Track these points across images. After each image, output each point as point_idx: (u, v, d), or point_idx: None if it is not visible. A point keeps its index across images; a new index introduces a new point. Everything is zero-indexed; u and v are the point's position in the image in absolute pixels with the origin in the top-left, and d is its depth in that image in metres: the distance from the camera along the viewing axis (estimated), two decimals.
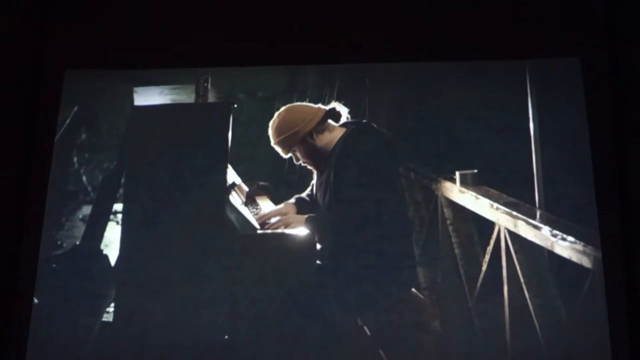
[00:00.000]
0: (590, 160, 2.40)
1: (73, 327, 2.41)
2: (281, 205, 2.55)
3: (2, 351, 2.39)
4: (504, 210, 2.33)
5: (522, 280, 2.30)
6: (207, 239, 2.42)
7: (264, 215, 2.52)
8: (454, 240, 2.41)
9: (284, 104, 2.52)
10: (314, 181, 2.54)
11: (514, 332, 2.29)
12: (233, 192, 2.55)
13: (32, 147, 2.56)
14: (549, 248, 2.26)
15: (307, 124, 2.48)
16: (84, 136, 2.63)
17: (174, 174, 2.47)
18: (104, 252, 2.50)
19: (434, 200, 2.47)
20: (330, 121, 2.51)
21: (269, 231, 2.47)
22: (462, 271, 2.38)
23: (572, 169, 2.40)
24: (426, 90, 2.55)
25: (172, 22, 2.67)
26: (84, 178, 2.58)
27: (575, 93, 2.46)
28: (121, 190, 2.53)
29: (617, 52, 2.50)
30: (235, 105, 2.54)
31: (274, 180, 2.59)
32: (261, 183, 2.61)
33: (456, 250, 2.40)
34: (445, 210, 2.45)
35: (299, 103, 2.53)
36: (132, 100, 2.58)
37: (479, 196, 2.39)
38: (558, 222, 2.30)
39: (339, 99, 2.52)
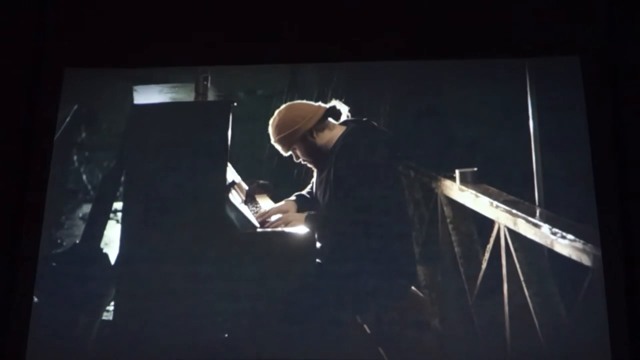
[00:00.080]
0: (589, 158, 2.40)
1: (73, 326, 2.41)
2: (281, 203, 2.55)
3: (2, 350, 2.38)
4: (504, 209, 2.34)
5: (521, 278, 2.30)
6: (206, 237, 2.41)
7: (264, 214, 2.52)
8: (453, 238, 2.41)
9: (284, 103, 2.53)
10: (314, 179, 2.54)
11: (514, 330, 2.29)
12: (233, 191, 2.55)
13: (32, 146, 2.56)
14: (549, 246, 2.26)
15: (308, 122, 2.48)
16: (83, 134, 2.62)
17: (173, 173, 2.47)
18: (104, 250, 2.49)
19: (433, 199, 2.47)
20: (330, 119, 2.51)
21: (268, 229, 2.47)
22: (461, 269, 2.38)
23: (572, 167, 2.41)
24: (426, 89, 2.55)
25: (171, 20, 2.67)
26: (84, 177, 2.58)
27: (575, 91, 2.47)
28: (121, 189, 2.53)
29: (617, 50, 2.50)
30: (235, 104, 2.53)
31: (273, 178, 2.59)
32: (261, 181, 2.61)
33: (456, 249, 2.40)
34: (445, 208, 2.45)
35: (299, 101, 2.54)
36: (132, 99, 2.58)
37: (478, 194, 2.39)
38: (558, 220, 2.30)
39: (339, 97, 2.52)
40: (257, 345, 2.34)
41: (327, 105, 2.51)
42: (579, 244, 2.22)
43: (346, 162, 2.45)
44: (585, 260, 2.21)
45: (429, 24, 2.60)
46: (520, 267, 2.30)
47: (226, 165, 2.49)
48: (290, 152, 2.51)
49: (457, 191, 2.43)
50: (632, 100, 2.45)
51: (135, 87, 2.60)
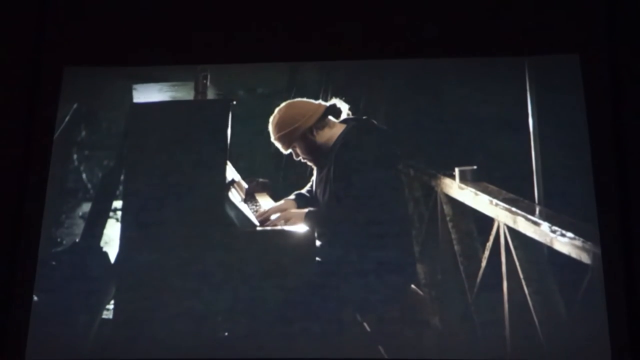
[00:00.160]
0: (589, 156, 2.41)
1: (72, 325, 2.40)
2: (281, 202, 2.54)
3: (2, 348, 2.38)
4: (504, 207, 2.34)
5: (521, 276, 2.30)
6: (206, 235, 2.41)
7: (264, 212, 2.52)
8: (453, 236, 2.41)
9: (284, 101, 2.53)
10: (314, 177, 2.54)
11: (514, 328, 2.29)
12: (232, 189, 2.55)
13: (31, 145, 2.56)
14: (548, 244, 2.26)
15: (308, 120, 2.48)
16: (83, 133, 2.62)
17: (173, 171, 2.47)
18: (104, 249, 2.49)
19: (433, 197, 2.47)
20: (330, 117, 2.51)
21: (268, 228, 2.47)
22: (461, 267, 2.38)
23: (572, 165, 2.41)
24: (426, 87, 2.55)
25: (171, 18, 2.67)
26: (84, 175, 2.58)
27: (575, 90, 2.47)
28: (121, 188, 2.53)
29: (617, 48, 2.51)
30: (235, 102, 2.53)
31: (273, 177, 2.59)
32: (261, 180, 2.61)
33: (456, 247, 2.40)
34: (444, 206, 2.45)
35: (299, 99, 2.54)
36: (131, 97, 2.58)
37: (478, 192, 2.39)
38: (557, 218, 2.30)
39: (339, 96, 2.52)
40: (256, 344, 2.34)
41: (328, 104, 2.51)
42: (578, 242, 2.23)
43: (346, 161, 2.45)
44: (585, 258, 2.22)
45: (428, 23, 2.60)
46: (520, 265, 2.30)
47: (226, 164, 2.49)
48: (290, 150, 2.51)
49: (457, 189, 2.43)
50: (632, 98, 2.45)
51: (135, 86, 2.60)
